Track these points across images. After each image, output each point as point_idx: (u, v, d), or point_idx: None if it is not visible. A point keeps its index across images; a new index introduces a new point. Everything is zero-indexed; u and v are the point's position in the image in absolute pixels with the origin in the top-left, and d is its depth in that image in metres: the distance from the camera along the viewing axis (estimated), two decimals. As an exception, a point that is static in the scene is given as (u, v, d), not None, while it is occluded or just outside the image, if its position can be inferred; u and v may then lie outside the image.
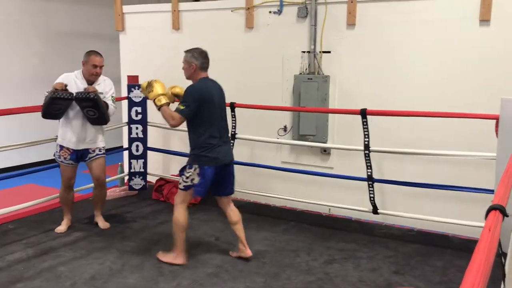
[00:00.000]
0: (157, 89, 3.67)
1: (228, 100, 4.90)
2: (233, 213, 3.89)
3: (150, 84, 3.70)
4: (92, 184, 4.57)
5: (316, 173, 4.82)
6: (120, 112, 5.97)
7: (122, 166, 5.86)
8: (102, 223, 4.56)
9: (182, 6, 5.64)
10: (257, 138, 4.98)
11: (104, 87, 4.24)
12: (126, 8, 5.95)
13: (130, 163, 5.48)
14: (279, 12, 5.05)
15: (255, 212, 5.02)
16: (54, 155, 4.29)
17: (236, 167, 5.00)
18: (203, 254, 3.96)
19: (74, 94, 3.99)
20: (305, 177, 4.93)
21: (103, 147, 4.40)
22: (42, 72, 7.25)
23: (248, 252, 3.87)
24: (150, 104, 5.37)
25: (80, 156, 4.27)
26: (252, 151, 5.35)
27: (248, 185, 5.36)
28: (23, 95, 6.62)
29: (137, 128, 5.43)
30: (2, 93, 6.93)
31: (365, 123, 4.18)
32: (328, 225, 4.69)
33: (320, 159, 5.06)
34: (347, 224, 4.71)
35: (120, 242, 4.19)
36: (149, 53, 5.91)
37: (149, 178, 5.60)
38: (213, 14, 5.50)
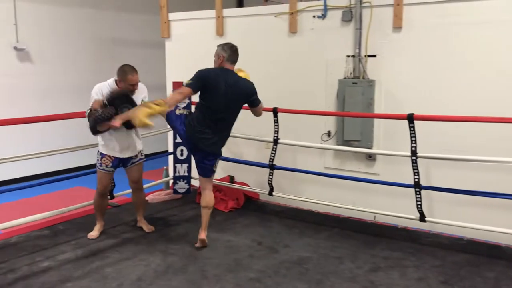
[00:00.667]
0: (148, 108, 3.62)
1: (270, 105, 4.95)
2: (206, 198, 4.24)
3: (145, 104, 3.72)
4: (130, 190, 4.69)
5: (361, 179, 4.73)
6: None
7: (167, 170, 5.96)
8: (146, 227, 4.61)
9: (226, 12, 5.70)
10: (300, 143, 4.95)
11: (138, 94, 4.19)
12: (171, 16, 6.07)
13: (174, 167, 5.57)
14: (323, 16, 5.01)
15: (298, 218, 4.98)
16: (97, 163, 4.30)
17: (278, 172, 5.04)
18: (245, 259, 3.96)
19: (112, 110, 3.92)
20: (349, 183, 4.85)
21: (142, 151, 4.47)
22: (91, 78, 7.45)
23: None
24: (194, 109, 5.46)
25: (121, 163, 4.32)
26: (295, 157, 5.31)
27: (290, 190, 5.34)
28: (74, 101, 6.87)
29: (181, 133, 5.51)
30: (55, 99, 7.22)
31: (412, 128, 4.07)
32: (373, 232, 4.59)
33: (365, 165, 4.97)
34: (392, 232, 4.59)
35: (164, 245, 4.26)
36: (193, 59, 5.97)
37: (193, 182, 5.67)
38: (256, 20, 5.52)
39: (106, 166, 4.25)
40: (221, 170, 5.83)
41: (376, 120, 4.81)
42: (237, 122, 5.57)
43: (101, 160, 4.24)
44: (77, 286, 3.49)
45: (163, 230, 4.64)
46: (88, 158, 6.12)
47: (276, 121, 4.88)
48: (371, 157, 4.91)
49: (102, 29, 8.02)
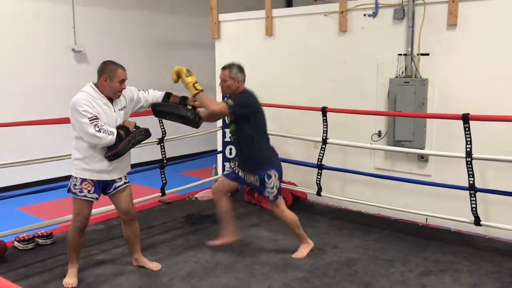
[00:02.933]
0: (193, 76, 3.67)
1: (319, 104, 4.93)
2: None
3: (188, 70, 3.69)
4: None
5: (413, 181, 4.61)
6: (214, 117, 6.19)
7: (216, 168, 6.05)
8: (151, 264, 3.80)
9: (275, 12, 5.72)
10: (349, 143, 4.89)
11: (125, 97, 3.56)
12: (221, 17, 6.16)
13: (223, 166, 5.65)
14: (374, 14, 4.93)
15: (346, 219, 4.93)
16: (68, 190, 3.47)
17: (327, 172, 5.01)
18: (293, 259, 3.96)
19: (141, 128, 3.56)
20: (400, 184, 4.75)
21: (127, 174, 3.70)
22: (147, 78, 7.76)
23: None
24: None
25: (104, 187, 3.51)
26: (344, 157, 5.26)
27: (339, 191, 5.29)
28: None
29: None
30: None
31: (467, 129, 3.93)
32: (424, 235, 4.47)
33: (417, 166, 4.84)
34: (445, 235, 4.45)
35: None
36: (243, 59, 5.97)
37: (241, 181, 5.72)
38: (305, 19, 5.51)
39: (88, 191, 3.41)
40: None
41: (429, 120, 4.68)
42: (285, 121, 5.62)
43: (81, 184, 3.39)
44: (130, 280, 3.62)
45: (212, 227, 4.71)
46: (143, 156, 6.30)
47: (325, 120, 4.85)
48: (423, 158, 4.79)
49: (155, 31, 8.25)
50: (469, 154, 3.96)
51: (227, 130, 5.57)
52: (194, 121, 3.71)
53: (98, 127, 3.22)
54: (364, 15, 5.00)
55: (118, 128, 3.39)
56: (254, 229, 4.67)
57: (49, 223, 4.25)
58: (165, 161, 5.03)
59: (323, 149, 4.89)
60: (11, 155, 4.93)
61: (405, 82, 4.70)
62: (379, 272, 3.71)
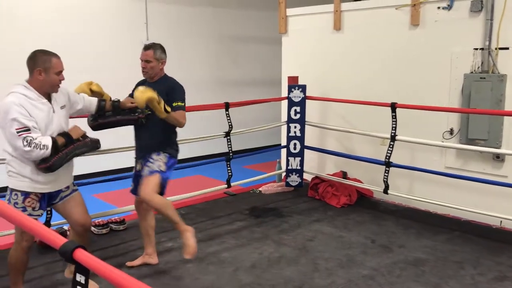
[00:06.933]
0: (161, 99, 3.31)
1: (388, 100, 4.82)
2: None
3: (158, 95, 3.27)
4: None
5: (487, 181, 4.39)
6: (279, 111, 6.22)
7: (280, 163, 6.08)
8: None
9: (344, 6, 5.64)
10: (419, 140, 4.74)
11: (63, 94, 3.09)
12: (289, 11, 6.16)
13: (287, 161, 5.66)
14: (449, 7, 4.73)
15: (414, 218, 4.79)
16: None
17: (394, 170, 4.89)
18: (358, 255, 3.92)
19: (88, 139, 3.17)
20: (472, 184, 4.54)
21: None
22: (215, 74, 7.96)
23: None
24: (309, 103, 5.51)
25: (49, 199, 3.07)
26: (413, 154, 5.10)
27: (406, 189, 5.15)
28: (194, 95, 7.28)
29: (295, 127, 5.58)
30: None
31: (550, 128, 3.70)
32: (498, 238, 4.26)
33: (492, 166, 4.61)
34: (521, 240, 4.23)
35: (277, 235, 4.36)
36: (309, 54, 6.04)
37: (305, 176, 5.72)
38: (375, 13, 5.38)
39: (33, 209, 2.94)
40: (334, 165, 5.82)
41: (506, 118, 4.44)
42: (351, 117, 5.55)
43: (24, 202, 2.90)
44: (197, 267, 3.73)
45: (276, 220, 4.75)
46: (210, 148, 6.43)
47: (394, 116, 4.73)
48: (498, 158, 4.55)
49: (223, 26, 8.40)
50: (551, 154, 3.72)
51: (292, 125, 5.58)
52: (141, 121, 3.48)
53: (27, 141, 2.73)
54: (438, 8, 4.81)
55: (59, 135, 2.94)
56: (318, 224, 4.66)
57: (122, 210, 4.47)
58: (231, 154, 5.13)
59: (391, 146, 4.77)
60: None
61: (481, 78, 4.48)
62: (448, 274, 3.58)
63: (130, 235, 4.39)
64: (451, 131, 4.82)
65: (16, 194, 2.91)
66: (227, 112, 5.03)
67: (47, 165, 2.85)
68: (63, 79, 2.98)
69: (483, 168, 4.66)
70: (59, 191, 3.09)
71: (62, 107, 3.05)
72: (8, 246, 3.65)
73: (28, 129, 2.76)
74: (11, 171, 2.91)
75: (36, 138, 2.77)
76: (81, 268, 1.36)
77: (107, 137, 3.67)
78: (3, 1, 6.13)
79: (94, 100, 3.38)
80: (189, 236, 3.35)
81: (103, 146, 3.39)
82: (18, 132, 2.74)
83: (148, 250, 3.79)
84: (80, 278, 1.36)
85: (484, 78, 4.46)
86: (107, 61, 6.99)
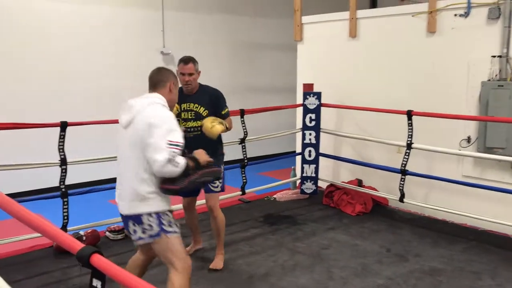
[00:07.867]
0: (213, 121, 3.45)
1: (403, 107, 4.79)
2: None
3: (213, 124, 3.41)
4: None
5: (506, 190, 4.32)
6: (294, 118, 6.22)
7: (294, 170, 6.07)
8: None
9: (360, 13, 5.63)
10: (436, 148, 4.69)
11: None
12: (305, 19, 6.17)
13: (302, 168, 5.65)
14: (466, 14, 4.69)
15: (430, 227, 4.73)
16: (157, 234, 2.63)
17: (410, 178, 4.85)
18: (373, 264, 3.88)
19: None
20: (490, 194, 4.48)
21: None
22: (231, 81, 7.98)
23: None
24: (324, 111, 5.51)
25: None
26: (429, 163, 5.05)
27: (422, 198, 5.10)
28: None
29: (310, 134, 5.58)
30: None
31: None
32: (516, 249, 4.19)
33: (510, 175, 4.54)
34: (541, 251, 4.15)
35: (291, 243, 4.35)
36: (325, 61, 6.03)
37: (319, 183, 5.70)
38: (391, 20, 5.37)
39: (177, 225, 2.74)
40: (349, 173, 5.79)
41: (525, 127, 4.38)
42: (366, 124, 5.52)
43: (171, 217, 2.72)
44: (212, 274, 3.73)
45: (290, 228, 4.74)
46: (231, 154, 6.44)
47: (410, 124, 4.69)
48: (517, 167, 4.48)
49: (239, 34, 8.45)
50: None
51: (307, 132, 5.57)
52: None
53: (171, 156, 2.50)
54: (455, 15, 4.78)
55: (189, 158, 2.68)
56: (333, 232, 4.63)
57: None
58: (246, 161, 5.14)
59: (407, 154, 4.74)
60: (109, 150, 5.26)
61: (499, 86, 4.43)
62: (465, 284, 3.53)
63: (145, 241, 4.41)
64: (468, 139, 4.76)
65: (166, 214, 2.67)
66: (242, 119, 5.04)
67: (176, 187, 2.59)
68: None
69: (501, 177, 4.59)
70: None
71: None
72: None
73: (179, 146, 2.55)
74: (148, 192, 2.60)
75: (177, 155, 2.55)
76: (97, 274, 1.37)
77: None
78: (26, 10, 6.25)
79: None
80: (222, 259, 3.87)
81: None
82: (170, 144, 2.50)
83: (198, 239, 4.21)
84: (96, 283, 1.38)
85: (502, 86, 4.41)
86: (123, 68, 7.09)
